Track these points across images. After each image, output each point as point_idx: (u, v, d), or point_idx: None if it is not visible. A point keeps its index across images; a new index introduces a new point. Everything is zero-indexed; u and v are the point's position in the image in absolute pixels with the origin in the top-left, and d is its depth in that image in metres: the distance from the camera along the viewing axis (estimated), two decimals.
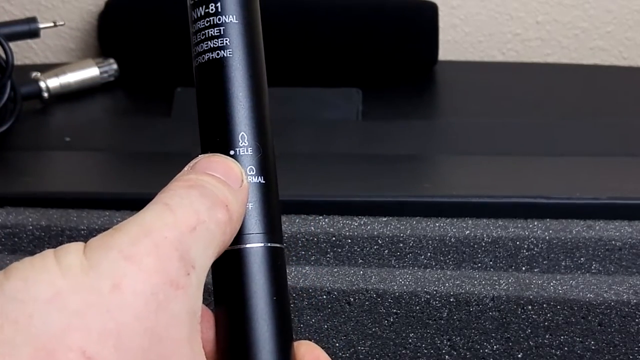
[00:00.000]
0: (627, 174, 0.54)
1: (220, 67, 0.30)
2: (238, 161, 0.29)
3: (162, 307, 0.25)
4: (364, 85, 0.64)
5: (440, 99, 0.68)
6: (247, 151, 0.29)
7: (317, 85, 0.64)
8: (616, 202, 0.49)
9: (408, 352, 0.46)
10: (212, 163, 0.29)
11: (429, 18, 0.67)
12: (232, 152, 0.29)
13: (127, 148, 0.59)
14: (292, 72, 0.66)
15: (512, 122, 0.60)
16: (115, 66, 0.66)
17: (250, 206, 0.29)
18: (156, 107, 0.64)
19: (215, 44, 0.30)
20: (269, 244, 0.29)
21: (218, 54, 0.30)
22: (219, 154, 0.29)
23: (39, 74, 0.63)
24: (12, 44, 0.58)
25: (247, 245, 0.28)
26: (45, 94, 0.63)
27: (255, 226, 0.29)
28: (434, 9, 0.67)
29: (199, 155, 0.29)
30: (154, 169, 0.55)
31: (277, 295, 0.28)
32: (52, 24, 0.63)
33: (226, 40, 0.30)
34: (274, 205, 0.30)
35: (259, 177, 0.29)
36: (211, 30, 0.30)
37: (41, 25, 0.61)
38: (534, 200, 0.49)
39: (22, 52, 0.75)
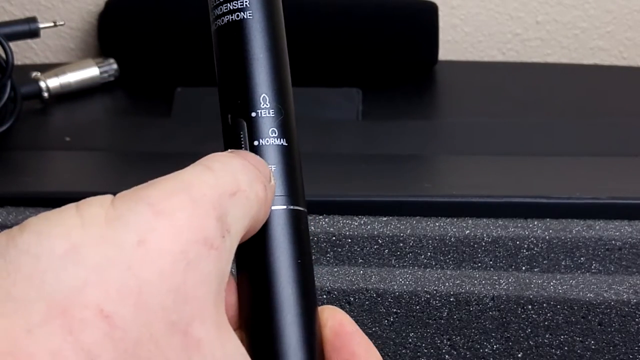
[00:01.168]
0: (627, 174, 0.54)
1: (240, 29, 0.29)
2: (260, 123, 0.28)
3: (191, 266, 0.24)
4: (364, 85, 0.64)
5: (440, 99, 0.68)
6: (269, 113, 0.29)
7: (317, 85, 0.64)
8: (616, 202, 0.49)
9: (408, 351, 0.46)
10: (245, 154, 0.28)
11: (429, 18, 0.67)
12: (253, 114, 0.29)
13: (127, 148, 0.59)
14: (292, 72, 0.66)
15: (512, 122, 0.60)
16: (115, 66, 0.66)
17: (272, 168, 0.28)
18: (156, 107, 0.64)
19: (235, 6, 0.29)
20: (291, 207, 0.28)
21: (238, 16, 0.29)
22: (248, 152, 0.28)
23: (39, 74, 0.63)
24: (12, 44, 0.58)
25: (271, 208, 0.28)
26: (45, 94, 0.63)
27: (278, 188, 0.28)
28: (434, 9, 0.67)
29: (228, 150, 0.29)
30: (154, 169, 0.55)
31: (301, 259, 0.28)
32: (52, 24, 0.63)
33: (246, 2, 0.29)
34: (297, 168, 0.29)
35: (282, 140, 0.29)
36: None
37: (41, 25, 0.61)
38: (534, 200, 0.49)
39: (22, 52, 0.75)
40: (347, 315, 0.29)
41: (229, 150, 0.28)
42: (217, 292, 0.25)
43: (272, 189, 0.28)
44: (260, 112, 0.29)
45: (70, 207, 0.24)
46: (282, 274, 0.27)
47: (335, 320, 0.29)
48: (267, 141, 0.29)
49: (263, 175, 0.27)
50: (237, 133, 0.29)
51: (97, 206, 0.24)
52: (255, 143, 0.28)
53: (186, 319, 0.24)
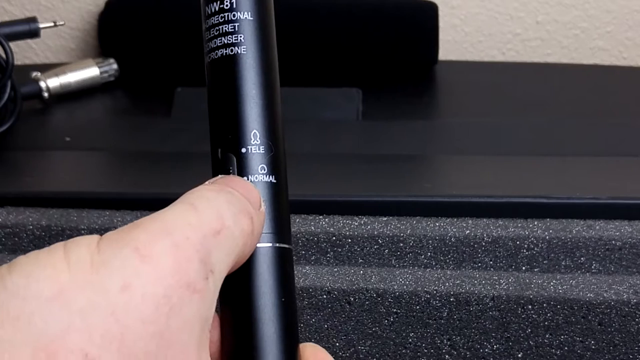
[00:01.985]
0: (627, 174, 0.54)
1: (233, 63, 0.29)
2: (249, 159, 0.29)
3: (174, 311, 0.24)
4: (364, 85, 0.64)
5: (440, 99, 0.68)
6: (258, 149, 0.29)
7: (317, 85, 0.64)
8: (616, 202, 0.49)
9: (408, 351, 0.46)
10: (233, 181, 0.28)
11: (429, 18, 0.67)
12: (243, 150, 0.29)
13: (127, 148, 0.59)
14: (292, 72, 0.66)
15: (512, 122, 0.60)
16: (115, 66, 0.66)
17: None
18: (156, 107, 0.64)
19: (229, 40, 0.29)
20: (277, 244, 0.28)
21: (232, 51, 0.29)
22: (237, 177, 0.28)
23: (39, 74, 0.63)
24: (12, 44, 0.58)
25: (256, 245, 0.28)
26: (45, 94, 0.63)
27: (265, 225, 0.28)
28: (434, 9, 0.67)
29: (218, 175, 0.29)
30: (154, 169, 0.55)
31: (285, 297, 0.28)
32: (52, 24, 0.63)
33: (240, 36, 0.29)
34: (284, 205, 0.29)
35: (270, 177, 0.29)
36: (225, 27, 0.29)
37: (41, 25, 0.61)
38: (534, 200, 0.49)
39: (22, 52, 0.75)
40: (328, 354, 0.29)
41: (218, 177, 0.28)
42: (200, 335, 0.25)
43: (261, 217, 0.28)
44: (250, 147, 0.29)
45: (58, 247, 0.24)
46: (265, 312, 0.28)
47: (316, 359, 0.29)
48: (256, 177, 0.29)
49: (251, 202, 0.27)
50: (226, 168, 0.29)
51: (83, 249, 0.24)
52: (244, 179, 0.29)
53: None
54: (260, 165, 0.29)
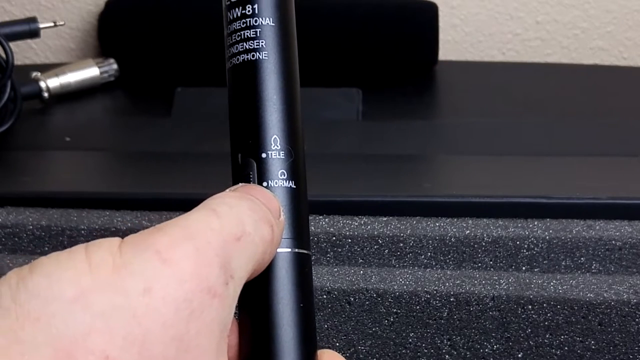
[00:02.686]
0: (627, 174, 0.54)
1: (255, 69, 0.29)
2: (269, 164, 0.29)
3: (194, 315, 0.24)
4: (364, 85, 0.64)
5: (440, 99, 0.68)
6: (279, 155, 0.29)
7: (317, 85, 0.64)
8: (616, 202, 0.49)
9: (408, 351, 0.46)
10: (254, 189, 0.28)
11: (429, 18, 0.67)
12: (263, 155, 0.29)
13: (127, 148, 0.59)
14: None
15: (512, 122, 0.60)
16: (115, 66, 0.66)
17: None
18: (156, 107, 0.63)
19: (251, 46, 0.29)
20: (296, 250, 0.28)
21: (253, 56, 0.29)
22: (258, 186, 0.29)
23: (39, 74, 0.63)
24: (12, 44, 0.57)
25: (277, 249, 0.28)
26: (45, 94, 0.63)
27: (285, 231, 0.28)
28: (434, 9, 0.67)
29: (239, 183, 0.29)
30: (154, 169, 0.55)
31: (303, 302, 0.28)
32: (52, 24, 0.63)
33: (262, 42, 0.29)
34: (304, 211, 0.29)
35: (290, 182, 0.29)
36: (247, 32, 0.29)
37: (41, 25, 0.61)
38: (534, 200, 0.49)
39: (22, 52, 0.75)
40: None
41: (238, 185, 0.29)
42: (219, 339, 0.25)
43: (280, 225, 0.28)
44: (271, 153, 0.29)
45: (80, 249, 0.24)
46: (283, 318, 0.28)
47: None
48: (276, 183, 0.29)
49: (272, 211, 0.27)
50: (246, 173, 0.29)
51: (105, 251, 0.24)
52: (264, 184, 0.29)
53: None
54: (281, 171, 0.29)
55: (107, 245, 0.24)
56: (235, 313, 0.28)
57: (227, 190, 0.28)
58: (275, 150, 0.29)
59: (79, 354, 0.22)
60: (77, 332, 0.23)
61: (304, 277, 0.28)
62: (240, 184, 0.29)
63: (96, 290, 0.23)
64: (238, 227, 0.26)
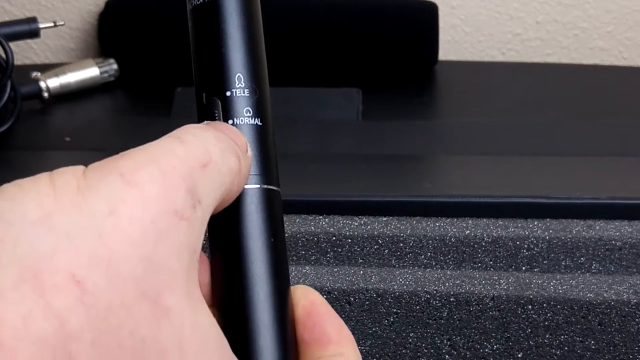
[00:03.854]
0: (627, 174, 0.54)
1: (216, 7, 0.29)
2: (234, 102, 0.29)
3: (162, 237, 0.24)
4: (364, 85, 0.64)
5: (440, 99, 0.68)
6: (243, 92, 0.29)
7: (317, 85, 0.64)
8: (616, 202, 0.49)
9: (408, 351, 0.46)
10: (220, 125, 0.28)
11: (429, 18, 0.67)
12: (228, 93, 0.29)
13: (127, 148, 0.59)
14: (292, 72, 0.66)
15: (512, 122, 0.60)
16: (115, 66, 0.66)
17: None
18: (156, 107, 0.64)
19: None
20: (265, 186, 0.28)
21: None
22: (224, 123, 0.28)
23: (39, 74, 0.63)
24: (12, 44, 0.58)
25: (244, 186, 0.28)
26: (45, 94, 0.63)
27: (252, 167, 0.28)
28: (434, 9, 0.67)
29: (205, 121, 0.29)
30: None
31: (274, 237, 0.28)
32: (52, 24, 0.63)
33: None
34: (271, 148, 0.29)
35: (256, 119, 0.29)
36: None
37: (41, 25, 0.61)
38: (534, 200, 0.49)
39: (22, 52, 0.75)
40: (320, 296, 0.29)
41: (205, 122, 0.28)
42: (189, 262, 0.25)
43: (247, 160, 0.28)
44: (235, 91, 0.29)
45: (44, 175, 0.24)
46: (254, 253, 0.27)
47: (307, 300, 0.29)
48: (242, 120, 0.29)
49: (239, 146, 0.27)
50: (211, 112, 0.29)
51: (69, 176, 0.24)
52: (230, 122, 0.28)
53: (157, 288, 0.24)
54: (246, 108, 0.29)
55: (71, 171, 0.24)
56: (206, 247, 0.28)
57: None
58: (239, 88, 0.29)
59: (45, 273, 0.22)
60: (42, 252, 0.22)
61: (273, 213, 0.28)
62: (205, 121, 0.29)
63: (60, 211, 0.23)
64: (204, 155, 0.26)
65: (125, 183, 0.24)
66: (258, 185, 0.28)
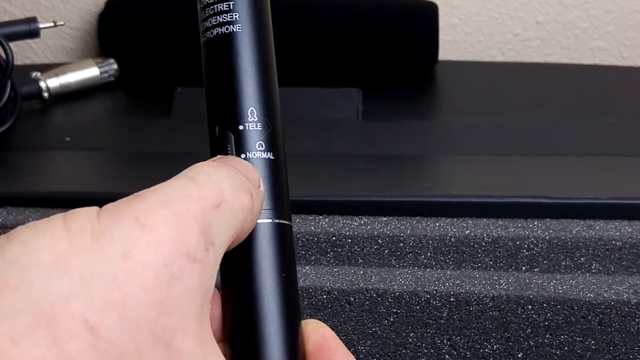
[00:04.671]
0: (627, 174, 0.54)
1: (229, 41, 0.29)
2: (247, 136, 0.29)
3: (175, 280, 0.24)
4: (364, 85, 0.64)
5: (440, 99, 0.68)
6: (256, 126, 0.29)
7: (317, 85, 0.64)
8: (616, 202, 0.49)
9: (408, 351, 0.46)
10: (233, 160, 0.28)
11: (429, 18, 0.67)
12: (240, 127, 0.29)
13: (127, 148, 0.59)
14: (292, 72, 0.66)
15: (512, 122, 0.60)
16: (115, 66, 0.66)
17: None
18: (156, 107, 0.64)
19: (225, 19, 0.29)
20: (277, 220, 0.28)
21: (227, 29, 0.29)
22: (237, 157, 0.28)
23: (39, 74, 0.63)
24: (12, 44, 0.58)
25: (256, 221, 0.28)
26: (45, 94, 0.63)
27: (264, 202, 0.28)
28: (434, 9, 0.67)
29: (217, 155, 0.29)
30: (154, 169, 0.55)
31: (285, 272, 0.28)
32: (52, 24, 0.63)
33: (235, 15, 0.29)
34: (283, 182, 0.29)
35: (268, 153, 0.29)
36: (220, 5, 0.29)
37: (41, 25, 0.61)
38: (534, 200, 0.49)
39: (22, 52, 0.75)
40: (330, 330, 0.29)
41: (217, 157, 0.29)
42: (201, 305, 0.25)
43: (260, 196, 0.28)
44: (248, 125, 0.29)
45: (58, 218, 0.24)
46: (266, 288, 0.28)
47: (318, 334, 0.29)
48: (254, 154, 0.29)
49: (251, 182, 0.27)
50: (224, 145, 0.29)
51: (83, 218, 0.24)
52: (242, 156, 0.29)
53: (169, 331, 0.24)
54: (258, 142, 0.29)
55: (85, 213, 0.24)
56: (218, 286, 0.28)
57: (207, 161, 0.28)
58: (252, 122, 0.29)
59: (59, 318, 0.22)
60: (56, 297, 0.23)
61: (285, 248, 0.28)
62: (218, 155, 0.29)
63: (74, 255, 0.23)
64: (217, 195, 0.26)
65: (140, 226, 0.24)
66: (270, 220, 0.28)
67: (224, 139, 0.29)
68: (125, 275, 0.23)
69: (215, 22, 0.29)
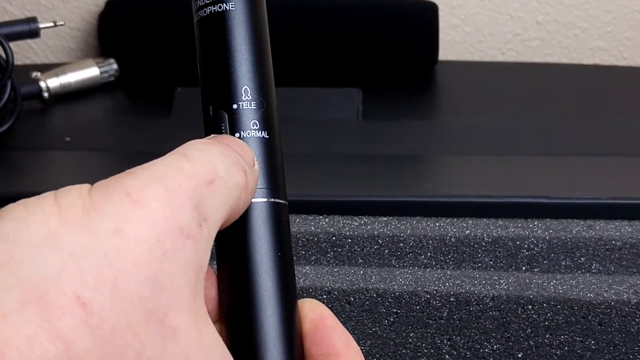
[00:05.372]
0: (627, 174, 0.54)
1: (222, 20, 0.29)
2: (241, 115, 0.28)
3: (168, 256, 0.24)
4: (364, 85, 0.64)
5: (440, 99, 0.68)
6: (250, 105, 0.29)
7: (317, 85, 0.64)
8: (616, 202, 0.49)
9: (408, 351, 0.46)
10: (227, 138, 0.28)
11: (429, 18, 0.67)
12: (234, 106, 0.28)
13: (127, 148, 0.59)
14: (292, 72, 0.66)
15: (512, 122, 0.60)
16: (115, 66, 0.66)
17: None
18: (156, 107, 0.64)
19: None
20: (272, 199, 0.28)
21: (220, 7, 0.29)
22: (230, 136, 0.28)
23: (39, 74, 0.63)
24: (12, 44, 0.58)
25: (251, 200, 0.28)
26: (45, 94, 0.63)
27: (259, 181, 0.28)
28: (434, 9, 0.67)
29: (211, 135, 0.29)
30: None
31: (281, 251, 0.28)
32: (52, 24, 0.63)
33: None
34: (278, 161, 0.29)
35: (263, 132, 0.29)
36: None
37: (41, 25, 0.61)
38: (534, 200, 0.49)
39: (22, 52, 0.75)
40: (328, 309, 0.29)
41: (211, 135, 0.28)
42: (195, 281, 0.25)
43: (254, 174, 0.28)
44: (242, 104, 0.29)
45: (49, 195, 0.24)
46: (262, 267, 0.27)
47: (315, 314, 0.29)
48: (249, 133, 0.28)
49: (245, 160, 0.27)
50: (218, 125, 0.29)
51: (75, 195, 0.24)
52: (237, 135, 0.28)
53: (163, 308, 0.24)
54: (252, 121, 0.29)
55: (76, 190, 0.24)
56: (214, 265, 0.28)
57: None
58: (246, 101, 0.29)
59: (50, 295, 0.22)
60: (47, 273, 0.22)
61: (281, 227, 0.28)
62: (212, 135, 0.29)
63: (65, 232, 0.23)
64: (210, 171, 0.26)
65: (131, 202, 0.24)
66: (265, 199, 0.28)
67: (217, 118, 0.29)
68: (117, 251, 0.23)
69: (207, 0, 0.29)
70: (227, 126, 0.29)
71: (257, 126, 0.29)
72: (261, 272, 0.27)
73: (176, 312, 0.24)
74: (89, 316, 0.22)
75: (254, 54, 0.29)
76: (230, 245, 0.28)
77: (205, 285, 0.26)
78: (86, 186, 0.25)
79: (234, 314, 0.28)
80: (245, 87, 0.29)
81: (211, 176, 0.25)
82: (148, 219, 0.24)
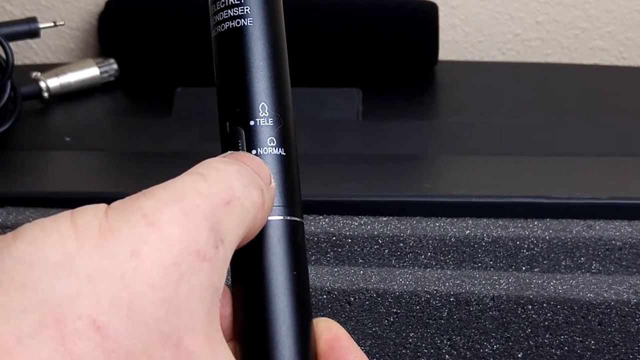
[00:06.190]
0: (627, 174, 0.54)
1: (240, 35, 0.29)
2: (258, 131, 0.28)
3: (184, 278, 0.24)
4: (364, 85, 0.64)
5: (440, 99, 0.68)
6: (267, 122, 0.28)
7: (317, 85, 0.64)
8: (616, 202, 0.49)
9: (408, 351, 0.46)
10: (244, 156, 0.28)
11: (429, 18, 0.67)
12: (252, 123, 0.28)
13: (127, 148, 0.59)
14: (292, 72, 0.66)
15: (512, 122, 0.60)
16: (115, 66, 0.66)
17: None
18: (156, 107, 0.64)
19: (236, 13, 0.29)
20: (288, 217, 0.28)
21: (238, 23, 0.29)
22: (247, 153, 0.28)
23: (39, 74, 0.63)
24: (12, 44, 0.58)
25: (267, 218, 0.27)
26: (45, 94, 0.63)
27: (275, 199, 0.28)
28: (434, 9, 0.67)
29: (228, 151, 0.28)
30: (154, 169, 0.55)
31: (297, 270, 0.28)
32: (52, 24, 0.63)
33: (246, 8, 0.29)
34: (294, 178, 0.29)
35: (280, 149, 0.28)
36: None
37: (41, 25, 0.61)
38: (534, 200, 0.49)
39: (22, 52, 0.75)
40: (343, 329, 0.29)
41: (227, 153, 0.28)
42: (210, 304, 0.25)
43: (271, 192, 0.27)
44: (259, 120, 0.28)
45: (65, 215, 0.24)
46: (277, 286, 0.27)
47: (330, 333, 0.29)
48: (265, 150, 0.28)
49: (262, 177, 0.27)
50: (235, 141, 0.28)
51: (91, 216, 0.24)
52: (253, 152, 0.28)
53: (178, 331, 0.24)
54: (270, 138, 0.28)
55: (93, 211, 0.24)
56: (228, 283, 0.28)
57: (217, 157, 0.28)
58: (263, 118, 0.28)
59: (66, 318, 0.22)
60: (63, 296, 0.22)
61: (297, 245, 0.28)
62: (229, 151, 0.28)
63: (82, 254, 0.23)
64: (227, 192, 0.25)
65: (148, 224, 0.24)
66: (281, 217, 0.28)
67: (234, 135, 0.28)
68: (134, 274, 0.23)
69: (225, 15, 0.29)
70: (244, 142, 0.28)
71: (274, 143, 0.28)
72: (276, 291, 0.27)
73: (192, 335, 0.24)
74: (104, 340, 0.22)
75: (271, 70, 0.29)
76: (246, 264, 0.28)
77: (220, 303, 0.26)
78: (102, 206, 0.24)
79: (249, 333, 0.27)
80: (263, 103, 0.29)
81: (228, 196, 0.25)
82: (164, 242, 0.24)
